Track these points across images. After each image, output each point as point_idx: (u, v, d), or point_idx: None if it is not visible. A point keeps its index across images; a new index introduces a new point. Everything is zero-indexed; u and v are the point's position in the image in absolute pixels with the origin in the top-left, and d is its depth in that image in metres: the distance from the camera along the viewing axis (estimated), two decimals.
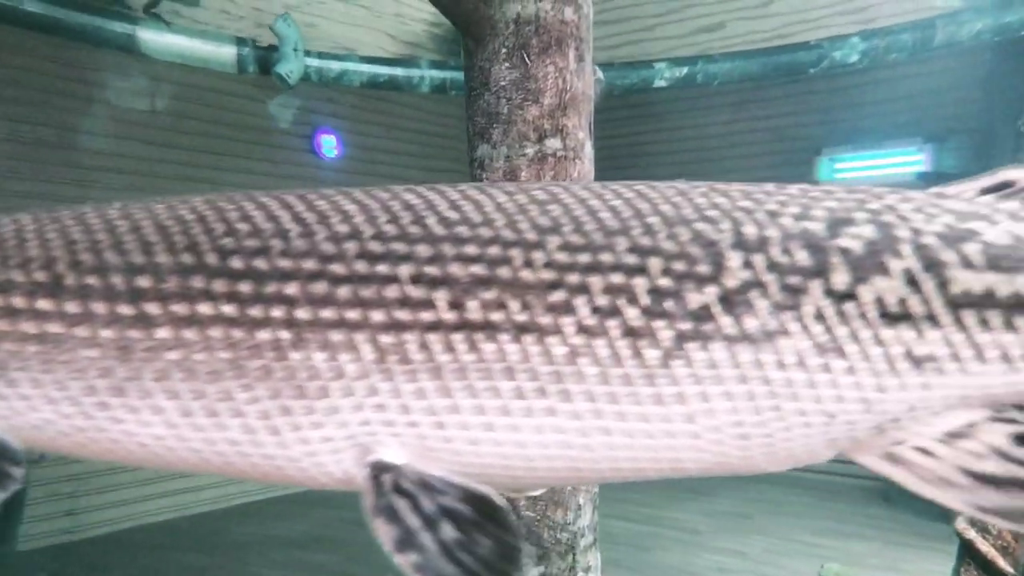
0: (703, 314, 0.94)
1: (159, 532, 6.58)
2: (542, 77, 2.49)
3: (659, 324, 0.94)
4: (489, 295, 0.94)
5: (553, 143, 2.51)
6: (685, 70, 5.82)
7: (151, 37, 4.74)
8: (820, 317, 0.95)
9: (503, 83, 2.50)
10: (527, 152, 2.50)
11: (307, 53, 5.34)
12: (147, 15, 4.67)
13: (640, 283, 0.95)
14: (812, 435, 0.99)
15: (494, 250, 0.96)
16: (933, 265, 0.96)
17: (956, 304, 0.96)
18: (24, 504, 5.70)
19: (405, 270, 0.95)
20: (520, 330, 0.94)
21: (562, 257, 0.96)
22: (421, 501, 0.94)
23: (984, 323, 0.95)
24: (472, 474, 0.99)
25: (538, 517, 2.53)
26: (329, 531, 6.38)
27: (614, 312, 0.94)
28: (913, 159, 7.53)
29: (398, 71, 5.90)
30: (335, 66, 5.63)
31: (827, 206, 1.01)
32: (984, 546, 2.58)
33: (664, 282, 0.95)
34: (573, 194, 1.03)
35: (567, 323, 0.94)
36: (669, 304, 0.95)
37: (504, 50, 2.49)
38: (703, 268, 0.96)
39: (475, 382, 0.94)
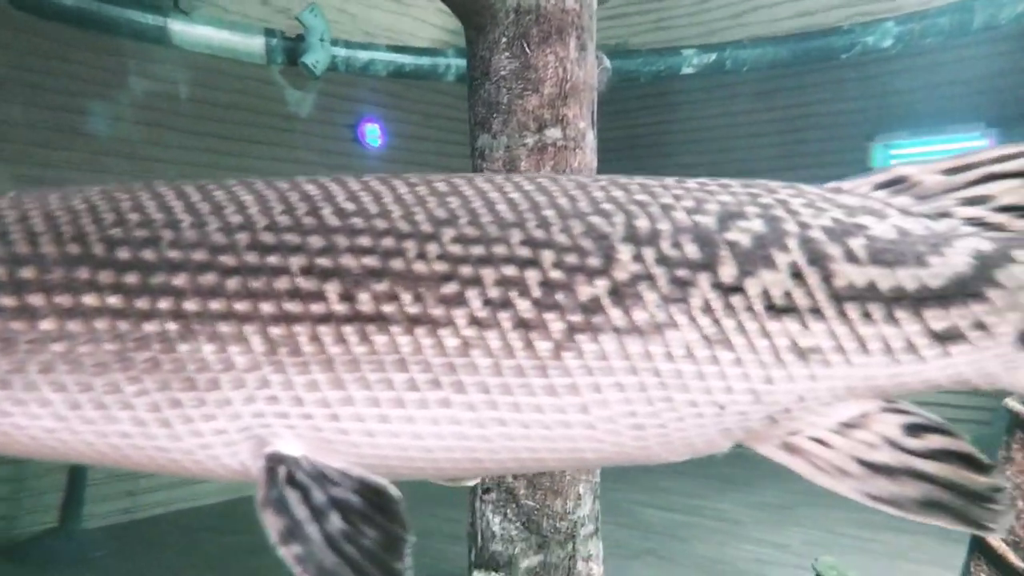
0: (593, 306, 0.96)
1: (213, 513, 6.74)
2: (542, 67, 2.50)
3: (550, 316, 0.95)
4: (381, 287, 0.95)
5: (553, 133, 2.51)
6: (713, 56, 5.72)
7: (182, 29, 4.88)
8: (708, 309, 0.96)
9: (503, 73, 2.51)
10: (527, 142, 2.51)
11: (334, 43, 5.41)
12: (175, 7, 4.81)
13: (532, 276, 0.96)
14: (705, 425, 1.01)
15: (388, 242, 0.96)
16: (818, 259, 0.98)
17: (840, 297, 0.97)
18: (87, 484, 5.91)
19: (296, 261, 0.95)
20: (412, 322, 0.94)
21: (456, 249, 0.97)
22: (312, 492, 0.95)
23: (867, 316, 0.97)
24: (373, 465, 1.00)
25: (537, 506, 2.54)
26: None
27: (506, 304, 0.95)
28: (976, 144, 7.31)
29: (424, 60, 5.93)
30: (362, 55, 5.68)
31: (721, 200, 1.03)
32: (995, 540, 2.53)
33: (556, 275, 0.96)
34: (475, 187, 1.04)
35: (459, 315, 0.95)
36: (560, 296, 0.96)
37: (504, 39, 2.50)
38: (594, 261, 0.97)
39: (368, 374, 0.95)
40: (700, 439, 1.02)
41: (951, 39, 5.44)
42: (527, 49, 2.49)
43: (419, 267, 0.96)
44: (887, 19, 5.40)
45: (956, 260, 0.98)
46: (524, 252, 0.97)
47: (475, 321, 0.95)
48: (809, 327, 0.97)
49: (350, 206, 1.00)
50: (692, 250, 0.98)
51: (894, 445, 1.01)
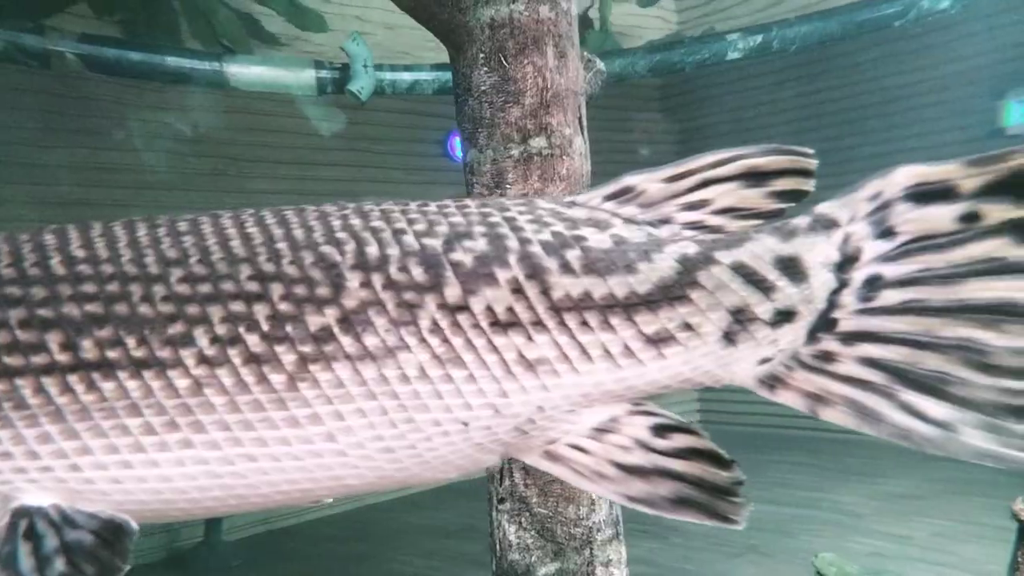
0: (324, 335, 0.97)
1: (336, 523, 7.07)
2: (521, 78, 2.51)
3: (281, 348, 0.97)
4: (104, 333, 0.95)
5: (538, 142, 2.52)
6: (759, 38, 5.48)
7: (237, 70, 5.15)
8: (436, 329, 0.98)
9: (483, 88, 2.54)
10: (512, 153, 2.53)
11: (377, 67, 5.57)
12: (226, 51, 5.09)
13: (261, 309, 0.97)
14: (455, 443, 1.02)
15: (113, 287, 0.97)
16: (536, 273, 0.99)
17: (558, 308, 0.99)
18: None
19: (15, 314, 0.95)
20: (139, 365, 0.95)
21: (183, 289, 0.97)
22: (46, 541, 0.95)
23: (585, 324, 0.99)
24: (134, 511, 1.01)
25: (550, 514, 2.55)
26: (477, 521, 6.58)
27: (235, 340, 0.97)
28: None
29: None
30: (407, 77, 5.82)
31: (452, 221, 1.04)
32: None
33: (285, 307, 0.98)
34: (215, 224, 1.05)
35: (187, 355, 0.96)
36: (290, 328, 0.97)
37: (482, 55, 2.53)
38: (323, 291, 0.98)
39: (100, 421, 0.96)
40: (456, 456, 1.04)
41: None
42: (504, 62, 2.51)
43: (144, 310, 0.97)
44: None
45: (662, 265, 0.98)
46: (252, 287, 0.98)
47: (204, 360, 0.96)
48: (533, 339, 0.99)
49: (81, 253, 1.00)
50: (418, 273, 0.99)
51: (644, 446, 1.03)
